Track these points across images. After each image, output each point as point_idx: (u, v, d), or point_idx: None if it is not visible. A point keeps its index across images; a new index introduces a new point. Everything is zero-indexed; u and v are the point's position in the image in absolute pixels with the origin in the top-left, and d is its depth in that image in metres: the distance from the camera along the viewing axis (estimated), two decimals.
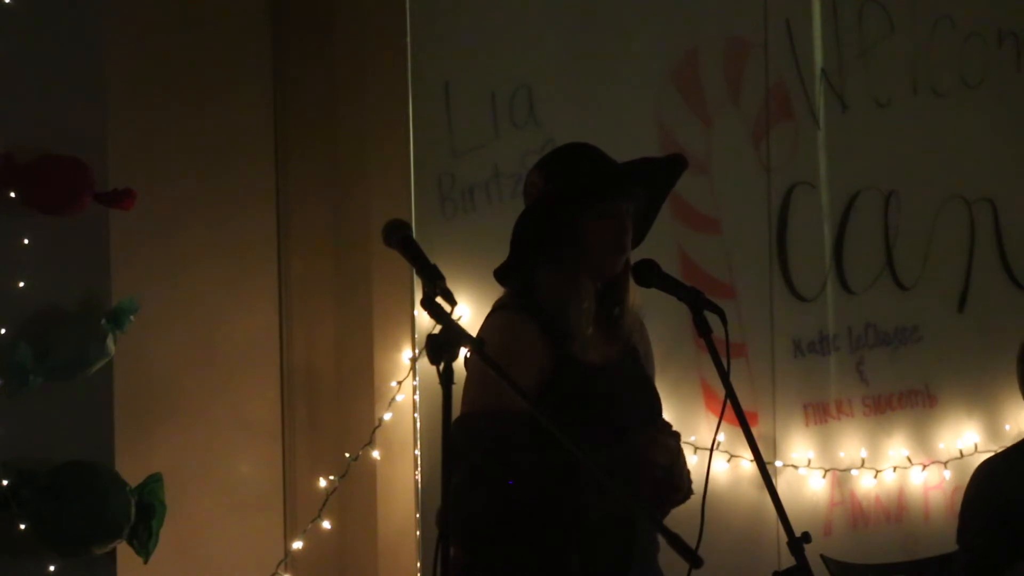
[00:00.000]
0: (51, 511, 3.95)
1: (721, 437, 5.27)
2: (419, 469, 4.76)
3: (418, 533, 4.78)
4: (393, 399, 4.83)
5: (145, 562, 4.15)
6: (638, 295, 3.56)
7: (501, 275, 3.55)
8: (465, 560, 3.38)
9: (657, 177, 3.56)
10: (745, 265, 5.54)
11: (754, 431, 3.38)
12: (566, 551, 3.36)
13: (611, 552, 3.41)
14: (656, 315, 3.79)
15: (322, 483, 4.91)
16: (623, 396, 3.50)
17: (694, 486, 3.46)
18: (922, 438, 5.93)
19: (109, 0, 4.35)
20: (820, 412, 5.71)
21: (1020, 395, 4.42)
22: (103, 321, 4.07)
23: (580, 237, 3.44)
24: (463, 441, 3.28)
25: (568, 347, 3.44)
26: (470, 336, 2.90)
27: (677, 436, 3.55)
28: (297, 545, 4.94)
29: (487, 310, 3.56)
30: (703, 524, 3.28)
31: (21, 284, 4.02)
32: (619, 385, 3.50)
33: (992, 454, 4.82)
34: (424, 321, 4.64)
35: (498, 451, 3.31)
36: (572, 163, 3.51)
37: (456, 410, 3.27)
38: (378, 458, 4.86)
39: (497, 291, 3.60)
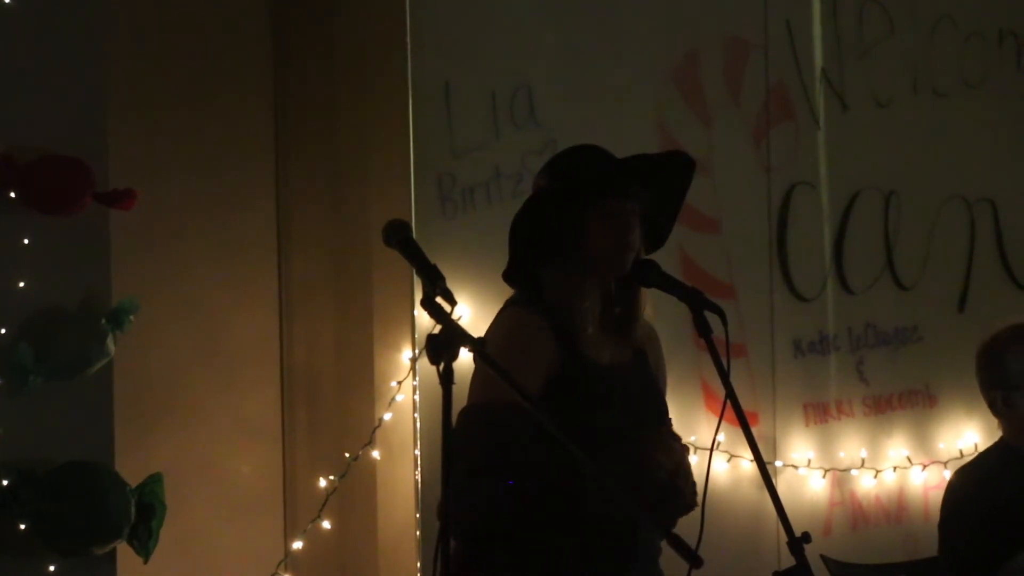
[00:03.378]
0: (51, 511, 3.95)
1: (721, 437, 5.26)
2: (419, 469, 4.76)
3: (418, 533, 4.77)
4: (393, 399, 4.83)
5: (145, 562, 4.16)
6: (649, 303, 3.56)
7: (509, 277, 3.54)
8: (465, 556, 3.38)
9: (660, 175, 3.55)
10: (745, 265, 5.53)
11: (754, 431, 3.37)
12: (567, 545, 3.36)
13: (612, 550, 3.41)
14: (656, 315, 3.79)
15: (322, 483, 4.91)
16: (631, 397, 3.50)
17: (695, 486, 3.46)
18: (922, 438, 5.93)
19: (109, 0, 4.35)
20: (820, 412, 5.70)
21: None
22: (103, 321, 4.07)
23: (584, 235, 3.44)
24: (466, 432, 3.28)
25: (577, 344, 3.44)
26: (470, 336, 2.90)
27: (683, 445, 3.55)
28: (297, 545, 4.94)
29: (488, 310, 3.57)
30: (703, 524, 3.28)
31: (21, 284, 4.02)
32: (627, 386, 3.50)
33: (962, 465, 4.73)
34: (424, 321, 4.64)
35: (501, 443, 3.30)
36: (574, 162, 3.51)
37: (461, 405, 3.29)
38: (378, 458, 4.86)
39: (497, 291, 3.60)
